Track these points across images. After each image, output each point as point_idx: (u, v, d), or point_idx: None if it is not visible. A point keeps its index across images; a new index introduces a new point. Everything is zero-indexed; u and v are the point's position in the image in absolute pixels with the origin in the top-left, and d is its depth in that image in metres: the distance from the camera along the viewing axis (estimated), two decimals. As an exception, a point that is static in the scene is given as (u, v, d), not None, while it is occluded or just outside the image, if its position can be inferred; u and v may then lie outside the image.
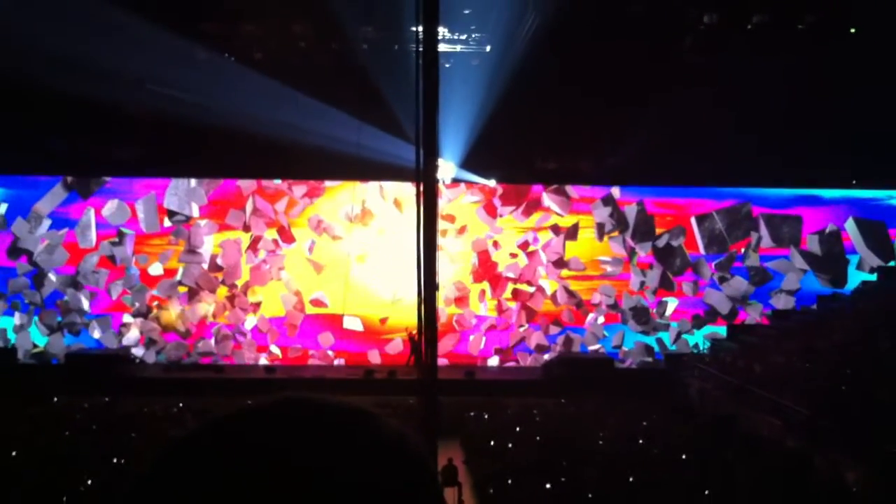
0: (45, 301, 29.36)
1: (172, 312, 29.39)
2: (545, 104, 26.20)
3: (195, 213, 29.74)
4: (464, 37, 27.61)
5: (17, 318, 29.26)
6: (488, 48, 27.57)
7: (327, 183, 29.78)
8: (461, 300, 29.71)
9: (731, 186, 30.11)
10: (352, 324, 29.39)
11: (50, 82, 23.44)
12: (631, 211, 30.25)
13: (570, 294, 29.99)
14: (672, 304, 30.02)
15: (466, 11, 26.17)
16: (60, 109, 25.60)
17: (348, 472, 0.92)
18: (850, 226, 30.38)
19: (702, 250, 30.39)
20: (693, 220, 30.45)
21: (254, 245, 29.60)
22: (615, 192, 30.18)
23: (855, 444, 16.18)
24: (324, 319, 29.55)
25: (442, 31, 24.52)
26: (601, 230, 30.12)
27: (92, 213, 29.52)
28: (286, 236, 29.63)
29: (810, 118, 26.12)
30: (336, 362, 29.29)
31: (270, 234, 29.73)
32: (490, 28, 26.87)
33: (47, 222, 29.45)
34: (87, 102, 24.49)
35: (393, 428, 1.02)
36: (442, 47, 22.15)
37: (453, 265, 29.50)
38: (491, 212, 30.02)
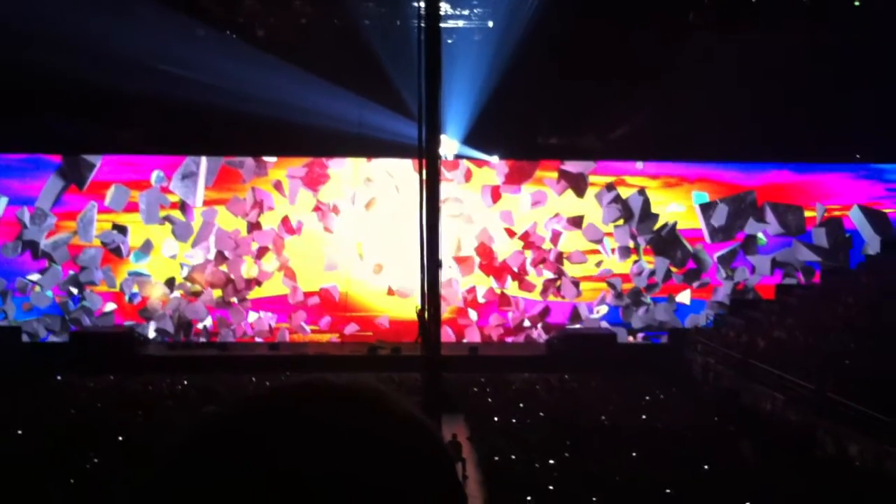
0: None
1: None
2: (548, 80, 26.08)
3: (199, 201, 29.58)
4: (466, 12, 27.46)
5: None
6: (490, 24, 27.42)
7: (331, 168, 29.60)
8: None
9: (734, 161, 29.95)
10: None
11: (43, 61, 23.32)
12: (636, 201, 30.05)
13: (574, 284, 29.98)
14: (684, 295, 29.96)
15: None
16: (54, 88, 25.49)
17: (365, 456, 0.92)
18: (854, 213, 30.28)
19: (707, 239, 30.22)
20: (697, 209, 30.27)
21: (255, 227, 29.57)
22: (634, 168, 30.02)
23: (858, 417, 16.23)
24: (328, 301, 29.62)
25: (444, 7, 24.39)
26: (609, 217, 30.00)
27: (94, 208, 29.41)
28: (288, 227, 29.52)
29: (813, 93, 26.03)
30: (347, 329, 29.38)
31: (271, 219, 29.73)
32: (492, 3, 26.72)
33: (52, 219, 29.37)
34: (83, 81, 24.38)
35: (409, 410, 1.01)
36: (444, 23, 22.11)
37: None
38: (495, 196, 29.85)
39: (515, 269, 29.87)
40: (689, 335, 27.34)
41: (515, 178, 30.00)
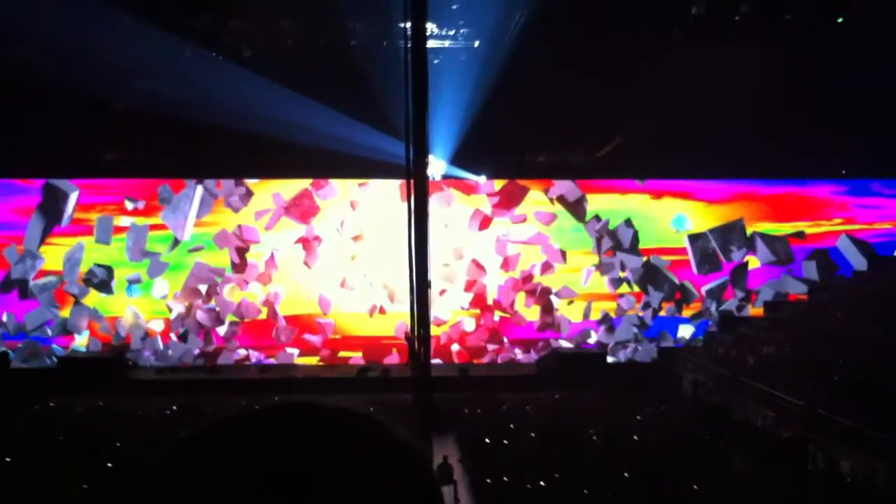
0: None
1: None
2: (534, 99, 26.16)
3: (187, 235, 29.48)
4: (452, 32, 27.55)
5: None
6: (477, 44, 27.52)
7: (319, 198, 29.61)
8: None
9: (722, 178, 30.06)
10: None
11: (29, 79, 23.24)
12: (626, 234, 30.11)
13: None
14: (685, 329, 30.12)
15: (454, 7, 26.12)
16: (39, 108, 25.39)
17: (349, 477, 0.92)
18: (842, 242, 30.41)
19: (694, 269, 30.30)
20: (686, 240, 30.35)
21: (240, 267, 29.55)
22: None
23: (849, 432, 16.22)
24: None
25: (430, 27, 24.48)
26: (598, 246, 30.03)
27: (82, 250, 29.29)
28: (273, 262, 29.55)
29: (800, 108, 26.19)
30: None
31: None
32: (478, 23, 26.82)
33: (41, 261, 29.24)
34: (70, 100, 24.29)
35: (394, 435, 1.01)
36: (430, 43, 22.18)
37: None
38: (484, 224, 29.85)
39: (505, 305, 29.84)
40: (678, 352, 27.38)
41: (505, 203, 29.94)
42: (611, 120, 27.62)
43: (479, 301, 29.61)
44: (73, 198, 29.29)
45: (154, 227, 29.35)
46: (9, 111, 25.57)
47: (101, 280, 29.15)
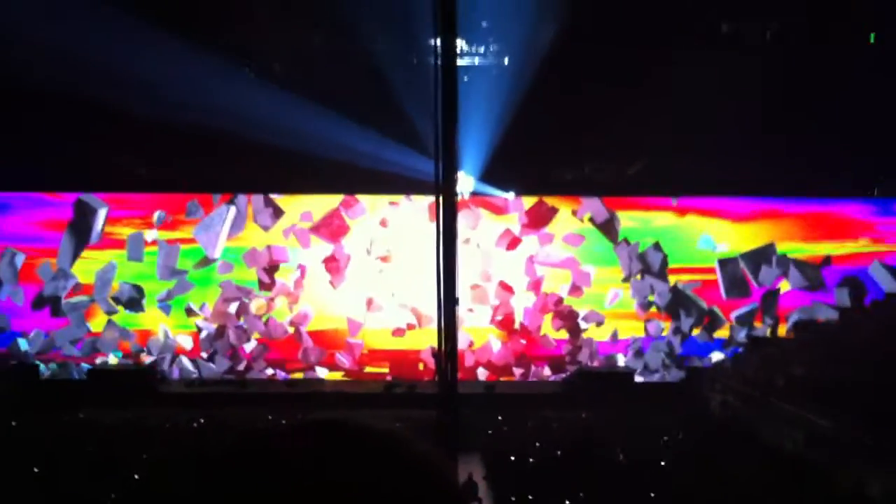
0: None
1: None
2: (563, 116, 26.15)
3: (218, 253, 29.72)
4: (482, 49, 27.65)
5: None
6: (506, 60, 27.59)
7: (348, 217, 29.77)
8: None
9: (750, 196, 29.81)
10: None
11: (59, 94, 23.50)
12: (655, 258, 29.96)
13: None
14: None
15: (484, 24, 26.24)
16: (68, 122, 25.69)
17: (376, 495, 0.92)
18: (875, 269, 30.10)
19: (723, 294, 30.04)
20: (717, 265, 30.13)
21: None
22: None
23: (878, 454, 16.00)
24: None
25: (460, 44, 24.57)
26: (628, 270, 29.89)
27: (114, 269, 29.61)
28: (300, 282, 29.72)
29: (829, 124, 25.99)
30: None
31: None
32: (508, 40, 26.89)
33: (73, 280, 29.55)
34: (99, 115, 24.55)
35: (421, 452, 1.01)
36: (460, 61, 22.30)
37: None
38: (513, 244, 29.80)
39: (532, 328, 29.74)
40: (706, 373, 27.16)
41: (533, 223, 29.86)
42: (640, 137, 27.52)
43: (506, 323, 29.52)
44: (103, 214, 29.58)
45: (183, 240, 29.59)
46: (38, 125, 25.93)
47: (131, 297, 29.40)
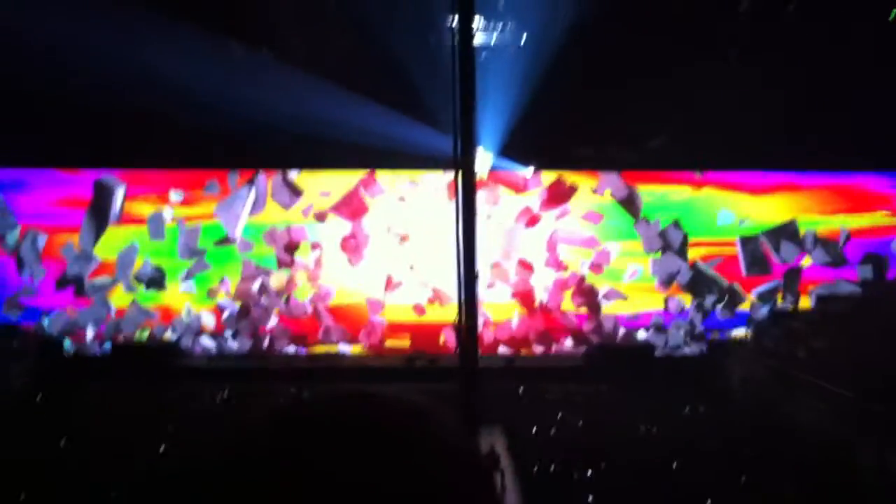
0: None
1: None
2: (582, 91, 26.01)
3: (238, 233, 29.71)
4: (500, 25, 27.50)
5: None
6: (524, 37, 27.43)
7: (369, 195, 29.54)
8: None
9: (770, 170, 29.59)
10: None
11: (72, 73, 23.56)
12: (676, 236, 29.72)
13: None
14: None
15: (502, 1, 26.11)
16: (81, 99, 25.74)
17: (411, 473, 0.96)
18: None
19: (743, 272, 29.83)
20: (738, 242, 29.84)
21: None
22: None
23: (901, 429, 16.01)
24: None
25: (477, 20, 24.46)
26: (648, 249, 29.64)
27: (135, 250, 29.63)
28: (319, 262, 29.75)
29: (857, 97, 25.71)
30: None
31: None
32: (525, 17, 26.73)
33: (96, 261, 29.69)
34: (113, 92, 24.59)
35: (453, 426, 1.05)
36: (477, 38, 22.22)
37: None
38: (532, 222, 29.66)
39: (552, 306, 29.68)
40: (727, 346, 27.11)
41: (552, 201, 29.73)
42: (660, 112, 27.36)
43: (526, 301, 29.49)
44: (120, 193, 29.72)
45: (202, 216, 29.69)
46: (51, 102, 25.97)
47: (153, 277, 29.59)
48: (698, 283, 29.82)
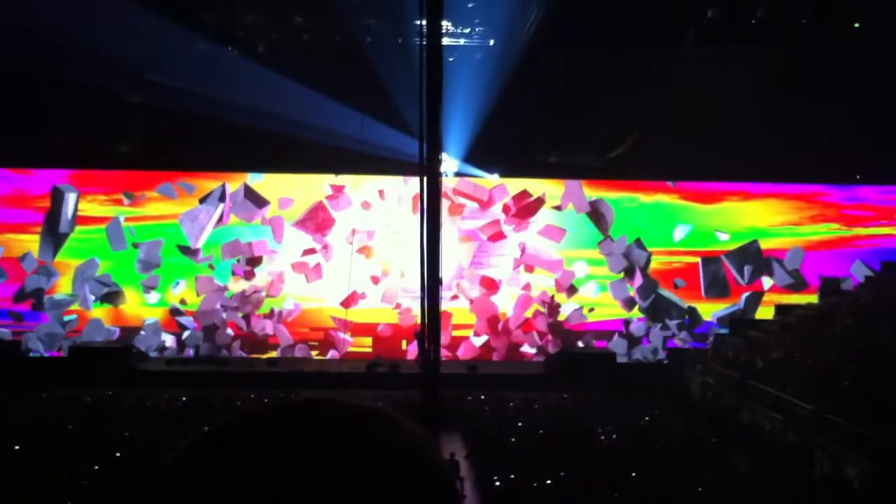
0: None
1: None
2: (548, 98, 26.16)
3: (200, 243, 29.58)
4: (467, 30, 27.54)
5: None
6: (492, 42, 27.50)
7: (334, 209, 29.65)
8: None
9: (730, 181, 29.97)
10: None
11: (43, 72, 23.16)
12: (640, 256, 29.99)
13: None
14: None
15: (470, 5, 26.13)
16: (53, 100, 25.44)
17: (370, 477, 0.93)
18: (856, 268, 30.35)
19: (703, 293, 30.16)
20: (700, 263, 30.22)
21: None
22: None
23: (856, 437, 16.19)
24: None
25: (445, 25, 24.46)
26: (612, 268, 29.94)
27: (95, 267, 29.27)
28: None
29: (812, 114, 26.13)
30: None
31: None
32: (494, 22, 26.79)
33: (56, 276, 29.33)
34: (84, 92, 24.29)
35: (414, 433, 1.02)
36: (445, 41, 22.18)
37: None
38: (496, 237, 29.79)
39: (514, 327, 29.82)
40: (687, 354, 27.33)
41: (520, 215, 29.86)
42: (624, 120, 27.60)
43: (490, 320, 29.56)
44: (72, 199, 29.33)
45: (154, 217, 29.43)
46: (11, 102, 25.61)
47: (111, 292, 29.23)
48: (660, 307, 30.02)
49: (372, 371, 26.67)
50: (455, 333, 28.99)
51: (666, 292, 29.83)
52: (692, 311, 29.82)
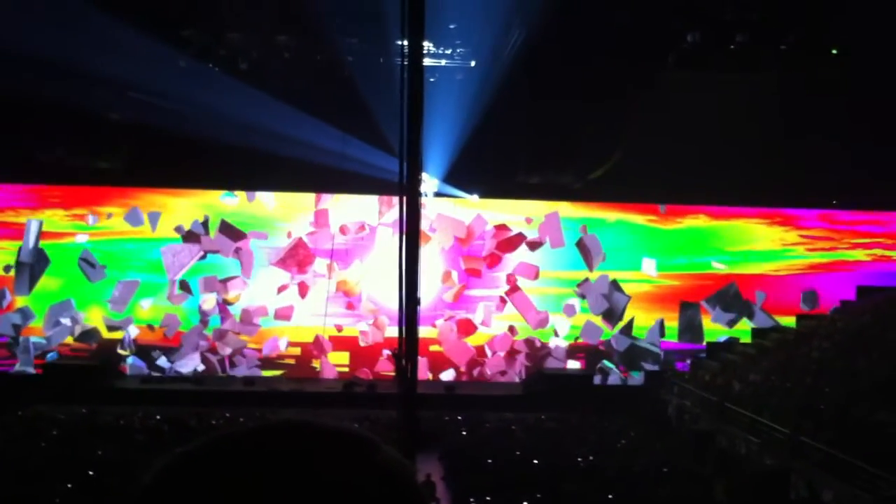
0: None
1: None
2: (529, 119, 26.26)
3: (175, 276, 29.41)
4: (448, 51, 27.63)
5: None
6: (473, 63, 27.60)
7: (312, 244, 29.56)
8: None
9: (709, 205, 30.17)
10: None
11: (26, 89, 23.02)
12: (619, 300, 30.10)
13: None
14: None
15: (452, 26, 26.20)
16: (38, 117, 25.29)
17: (345, 499, 0.92)
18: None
19: (678, 337, 30.23)
20: (679, 308, 30.30)
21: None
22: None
23: (832, 461, 16.23)
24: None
25: (427, 46, 24.53)
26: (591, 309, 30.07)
27: (71, 306, 29.05)
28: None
29: (790, 137, 26.34)
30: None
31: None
32: (475, 43, 26.89)
33: (32, 318, 29.08)
34: (67, 110, 24.17)
35: (391, 456, 1.01)
36: (427, 61, 22.24)
37: None
38: (475, 272, 29.91)
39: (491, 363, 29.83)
40: (665, 377, 27.36)
41: (501, 248, 29.93)
42: (605, 143, 27.73)
43: (468, 363, 29.59)
44: (35, 228, 29.10)
45: (118, 233, 29.25)
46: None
47: (85, 332, 28.97)
48: (633, 356, 30.02)
49: (349, 391, 26.54)
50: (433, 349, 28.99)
51: (641, 341, 29.90)
52: (668, 363, 29.69)
